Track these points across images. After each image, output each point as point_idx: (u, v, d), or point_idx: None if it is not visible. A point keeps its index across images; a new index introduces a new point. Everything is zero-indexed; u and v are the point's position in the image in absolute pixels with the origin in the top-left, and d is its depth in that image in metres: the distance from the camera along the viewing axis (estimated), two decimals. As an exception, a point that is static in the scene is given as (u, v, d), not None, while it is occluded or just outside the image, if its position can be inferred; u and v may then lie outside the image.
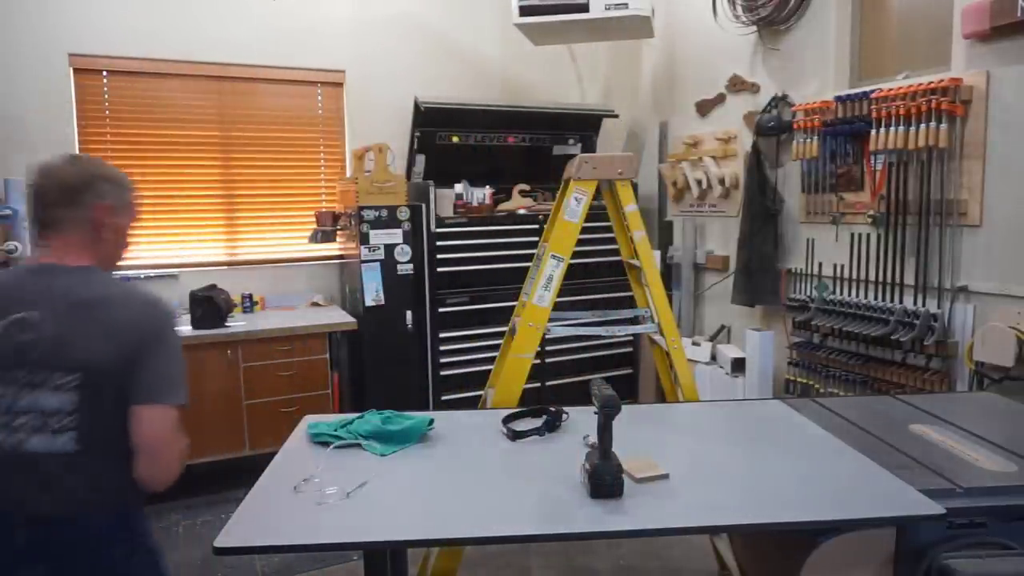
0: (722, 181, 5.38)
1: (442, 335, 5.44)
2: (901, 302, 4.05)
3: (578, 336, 5.04)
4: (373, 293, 5.15)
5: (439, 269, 5.35)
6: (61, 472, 1.92)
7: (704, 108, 5.68)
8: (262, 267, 5.90)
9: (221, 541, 1.96)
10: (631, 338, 5.96)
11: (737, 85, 5.31)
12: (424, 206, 5.31)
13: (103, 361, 1.92)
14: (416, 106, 5.58)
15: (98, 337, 1.93)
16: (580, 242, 3.60)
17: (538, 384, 5.59)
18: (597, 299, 5.63)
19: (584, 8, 5.26)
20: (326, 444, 2.67)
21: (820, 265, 4.62)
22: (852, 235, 4.36)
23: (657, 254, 5.67)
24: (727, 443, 2.73)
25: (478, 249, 5.46)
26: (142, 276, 5.49)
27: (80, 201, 2.08)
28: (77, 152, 5.29)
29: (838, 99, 4.35)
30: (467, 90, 6.43)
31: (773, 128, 4.84)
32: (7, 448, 1.91)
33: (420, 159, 5.81)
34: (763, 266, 4.92)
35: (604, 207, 3.90)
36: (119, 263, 2.24)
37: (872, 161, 4.21)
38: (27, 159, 5.06)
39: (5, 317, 1.94)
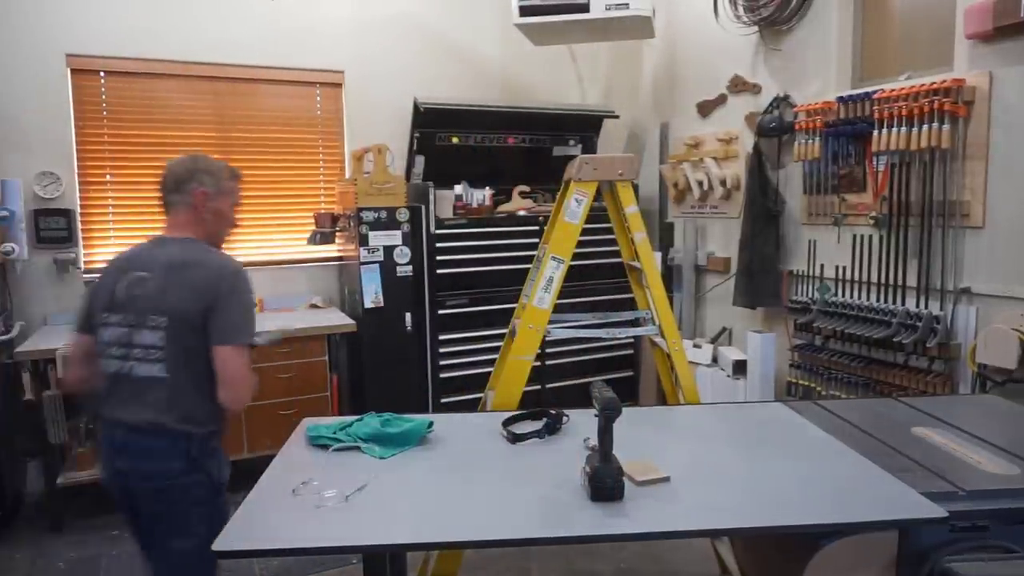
0: (723, 182, 5.38)
1: (442, 337, 5.44)
2: (903, 304, 4.06)
3: (578, 338, 5.04)
4: (372, 295, 5.15)
5: (439, 271, 5.36)
6: (150, 392, 2.51)
7: (705, 109, 5.68)
8: (260, 269, 5.90)
9: (220, 544, 1.96)
10: (632, 340, 5.95)
11: (738, 86, 5.31)
12: (423, 207, 5.32)
13: (185, 310, 2.50)
14: (415, 106, 5.58)
15: (184, 290, 2.53)
16: (580, 244, 3.60)
17: (538, 386, 5.59)
18: (598, 301, 5.62)
19: (584, 8, 5.27)
20: (325, 447, 2.67)
21: (822, 267, 4.62)
22: (854, 237, 4.36)
23: (658, 256, 5.66)
24: (728, 446, 2.74)
25: (478, 251, 5.46)
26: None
27: (184, 189, 2.76)
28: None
29: (840, 100, 4.35)
30: (467, 90, 6.44)
31: (775, 129, 4.84)
32: (122, 372, 2.54)
33: (419, 160, 5.82)
34: (764, 268, 4.92)
35: (605, 208, 3.90)
36: (225, 237, 2.89)
37: (874, 162, 4.21)
38: (23, 160, 5.16)
39: (127, 276, 2.60)
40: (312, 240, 5.72)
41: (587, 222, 3.54)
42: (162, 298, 2.52)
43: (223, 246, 2.86)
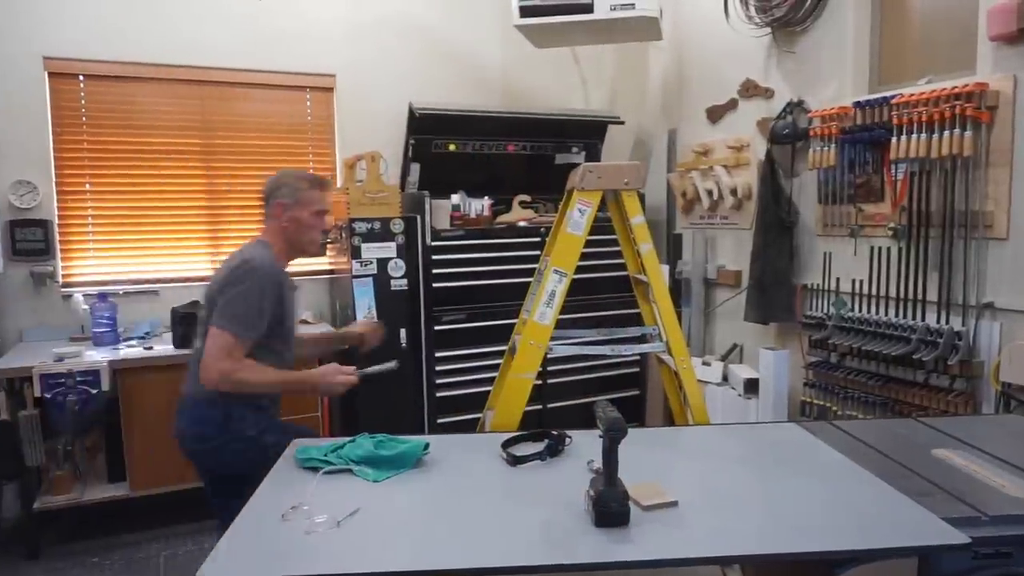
0: (734, 191, 5.39)
1: (438, 354, 5.45)
2: (923, 319, 4.05)
3: (582, 355, 5.05)
4: (365, 310, 5.15)
5: (435, 285, 5.36)
6: (192, 366, 3.27)
7: (715, 114, 5.70)
8: (247, 282, 5.93)
9: (205, 572, 1.97)
10: (638, 357, 5.98)
11: (750, 90, 5.33)
12: (419, 218, 5.32)
13: (210, 297, 3.23)
14: (411, 112, 5.60)
15: (214, 281, 3.28)
16: (584, 256, 3.61)
17: (539, 406, 5.57)
18: (602, 316, 5.64)
19: (588, 8, 5.28)
20: (315, 470, 2.68)
21: (838, 280, 4.62)
22: (871, 248, 4.36)
23: (665, 269, 5.68)
24: (739, 468, 2.74)
25: (476, 264, 5.46)
26: (120, 292, 5.50)
27: (269, 202, 3.43)
28: (53, 161, 5.34)
29: (857, 105, 4.34)
30: (465, 95, 6.47)
31: (788, 135, 4.84)
32: (197, 351, 3.26)
33: (415, 168, 5.83)
34: (777, 281, 4.92)
35: (609, 219, 3.92)
36: (310, 243, 3.46)
37: (893, 170, 4.21)
38: (-3, 166, 5.17)
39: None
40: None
41: (591, 233, 3.55)
42: (208, 288, 3.29)
43: (317, 252, 3.57)
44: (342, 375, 3.33)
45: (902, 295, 4.17)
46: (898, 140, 4.01)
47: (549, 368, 5.53)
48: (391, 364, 3.62)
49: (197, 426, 3.26)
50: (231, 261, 3.30)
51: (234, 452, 3.23)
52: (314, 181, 3.47)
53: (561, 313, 3.52)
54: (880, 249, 4.31)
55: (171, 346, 5.00)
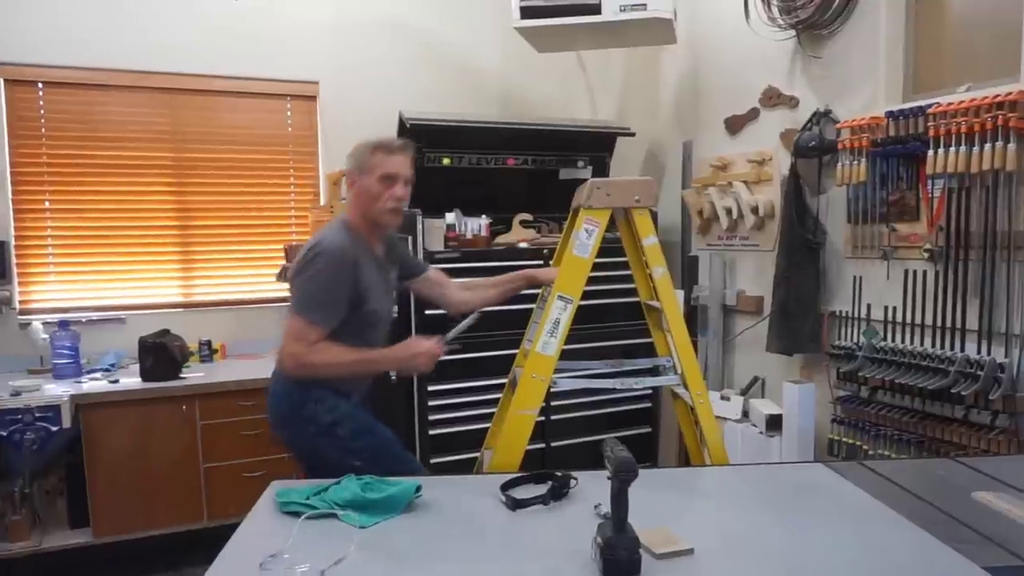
0: (755, 210, 5.40)
1: (431, 388, 5.45)
2: (963, 350, 4.04)
3: (589, 389, 5.06)
4: (350, 339, 5.15)
5: (427, 311, 5.34)
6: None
7: (734, 125, 5.72)
8: (223, 309, 5.95)
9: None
10: (650, 391, 5.98)
11: (773, 99, 5.35)
12: (410, 238, 5.34)
13: (289, 279, 3.52)
14: (401, 123, 5.63)
15: (292, 263, 3.55)
16: (591, 281, 3.63)
17: (542, 445, 5.59)
18: (611, 346, 5.63)
19: (595, 9, 5.29)
20: (297, 514, 2.67)
21: (868, 307, 4.63)
22: (906, 272, 4.36)
23: (680, 294, 5.68)
24: (761, 513, 2.75)
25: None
26: (83, 320, 5.52)
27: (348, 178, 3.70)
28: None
29: (890, 115, 4.35)
30: (460, 104, 6.50)
31: (814, 148, 4.84)
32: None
33: (406, 184, 5.83)
34: (803, 308, 4.93)
35: (619, 240, 3.94)
36: (382, 213, 3.55)
37: (929, 187, 4.21)
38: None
39: None
40: (282, 276, 5.76)
41: (599, 256, 3.57)
42: (290, 271, 3.61)
43: (391, 222, 3.63)
44: (426, 345, 3.45)
45: (939, 323, 4.16)
46: (935, 153, 4.01)
47: (553, 403, 5.57)
48: (472, 318, 3.68)
49: (275, 407, 3.57)
50: (307, 244, 3.51)
51: (307, 438, 3.48)
52: (381, 144, 3.59)
53: (566, 343, 3.54)
54: (915, 273, 4.31)
55: (138, 379, 5.02)
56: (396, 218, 3.63)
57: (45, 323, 5.38)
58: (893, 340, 4.42)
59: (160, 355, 5.05)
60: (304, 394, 3.43)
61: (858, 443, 4.56)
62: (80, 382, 5.02)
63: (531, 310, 4.10)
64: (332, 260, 3.33)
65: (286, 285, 5.84)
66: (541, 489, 2.85)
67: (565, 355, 3.60)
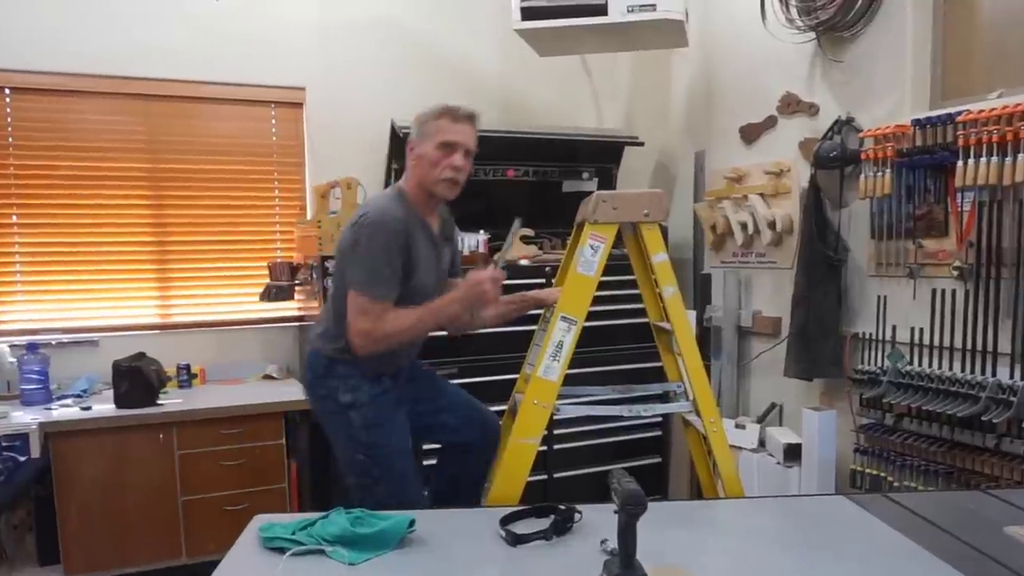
0: (772, 225, 5.40)
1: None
2: (994, 375, 4.04)
3: (594, 417, 5.06)
4: (340, 363, 5.16)
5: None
6: (327, 304, 3.85)
7: (750, 134, 5.74)
8: (203, 331, 5.96)
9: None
10: (659, 419, 5.98)
11: (791, 106, 5.36)
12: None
13: (338, 250, 3.64)
14: (393, 131, 5.66)
15: (341, 235, 3.67)
16: (597, 300, 3.65)
17: (544, 476, 5.60)
18: (617, 371, 5.63)
19: (601, 10, 5.29)
20: (281, 550, 2.68)
21: (894, 328, 4.63)
22: (933, 291, 4.36)
23: (692, 315, 5.69)
24: (779, 549, 2.76)
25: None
26: (53, 342, 5.53)
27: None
28: None
29: (916, 123, 4.34)
30: (457, 112, 6.51)
31: (836, 159, 4.83)
32: (329, 295, 3.85)
33: (398, 197, 5.84)
34: (823, 330, 4.93)
35: (626, 257, 3.96)
36: (434, 184, 3.62)
37: (958, 200, 4.20)
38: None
39: None
40: (266, 296, 5.77)
41: (605, 274, 3.58)
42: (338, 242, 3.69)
43: (447, 192, 3.66)
44: (486, 272, 3.56)
45: (969, 346, 4.16)
46: (964, 164, 4.00)
47: (556, 432, 5.57)
48: (516, 226, 3.79)
49: (308, 371, 3.80)
50: (355, 213, 3.63)
51: (326, 412, 3.72)
52: (447, 110, 3.67)
53: (570, 367, 3.55)
54: (943, 292, 4.31)
55: (112, 405, 5.01)
56: (452, 189, 3.67)
57: (12, 346, 5.40)
58: (920, 364, 4.42)
59: (135, 380, 5.04)
60: (329, 368, 3.63)
61: (882, 474, 4.56)
62: (50, 409, 5.01)
63: (532, 332, 4.11)
64: (381, 229, 3.43)
65: (270, 306, 5.94)
66: (543, 523, 2.85)
67: (569, 380, 3.62)
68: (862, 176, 4.64)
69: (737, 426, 5.47)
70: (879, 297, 4.71)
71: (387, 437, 3.64)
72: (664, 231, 3.97)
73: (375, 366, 3.60)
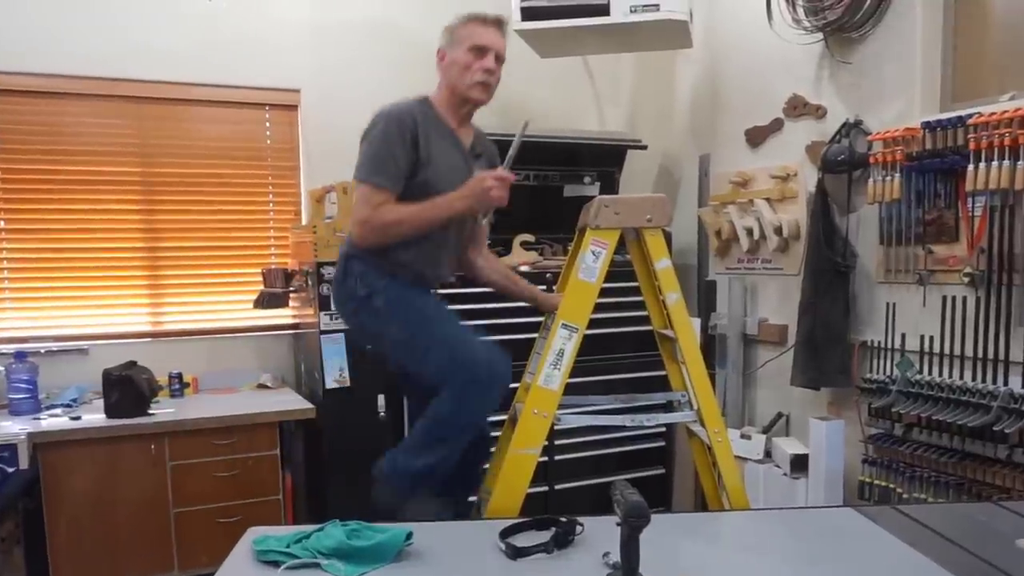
0: (779, 230, 5.41)
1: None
2: (1006, 384, 4.04)
3: (596, 427, 5.07)
4: (336, 372, 5.17)
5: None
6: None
7: (756, 137, 5.74)
8: (195, 339, 5.96)
9: None
10: (663, 429, 5.99)
11: (798, 108, 5.37)
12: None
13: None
14: (392, 134, 5.65)
15: None
16: (599, 307, 3.65)
17: (545, 487, 5.59)
18: (620, 380, 5.63)
19: (604, 10, 5.30)
20: (276, 564, 2.69)
21: (903, 336, 4.63)
22: (944, 298, 4.37)
23: (696, 323, 5.69)
24: (785, 562, 2.77)
25: (469, 316, 5.41)
26: (42, 351, 5.52)
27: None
28: None
29: (926, 126, 4.34)
30: (455, 115, 6.50)
31: (843, 163, 4.85)
32: None
33: (396, 202, 5.85)
34: (831, 338, 4.93)
35: (629, 263, 3.96)
36: (466, 88, 3.73)
37: (969, 205, 4.21)
38: None
39: None
40: (259, 303, 5.77)
41: (607, 280, 3.59)
42: None
43: (480, 96, 3.76)
44: (496, 173, 3.58)
45: (981, 354, 4.17)
46: (975, 168, 4.00)
47: (557, 442, 5.57)
48: (521, 130, 3.73)
49: (334, 283, 3.92)
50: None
51: (350, 315, 3.82)
52: (476, 15, 3.77)
53: (571, 376, 3.55)
54: (954, 299, 4.32)
55: (102, 415, 5.00)
56: (484, 93, 3.76)
57: (0, 354, 5.40)
58: (930, 373, 4.42)
59: (126, 389, 5.04)
60: (346, 268, 3.68)
61: (891, 485, 4.56)
62: (38, 419, 5.00)
63: (533, 339, 4.12)
64: (390, 120, 3.60)
65: (264, 313, 5.94)
66: (544, 536, 2.86)
67: (570, 389, 3.62)
68: (870, 180, 4.64)
69: (743, 436, 5.46)
70: (888, 304, 4.72)
71: (416, 306, 3.68)
72: (668, 237, 3.98)
73: (389, 263, 3.63)
